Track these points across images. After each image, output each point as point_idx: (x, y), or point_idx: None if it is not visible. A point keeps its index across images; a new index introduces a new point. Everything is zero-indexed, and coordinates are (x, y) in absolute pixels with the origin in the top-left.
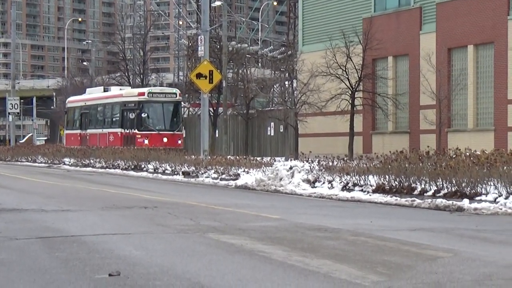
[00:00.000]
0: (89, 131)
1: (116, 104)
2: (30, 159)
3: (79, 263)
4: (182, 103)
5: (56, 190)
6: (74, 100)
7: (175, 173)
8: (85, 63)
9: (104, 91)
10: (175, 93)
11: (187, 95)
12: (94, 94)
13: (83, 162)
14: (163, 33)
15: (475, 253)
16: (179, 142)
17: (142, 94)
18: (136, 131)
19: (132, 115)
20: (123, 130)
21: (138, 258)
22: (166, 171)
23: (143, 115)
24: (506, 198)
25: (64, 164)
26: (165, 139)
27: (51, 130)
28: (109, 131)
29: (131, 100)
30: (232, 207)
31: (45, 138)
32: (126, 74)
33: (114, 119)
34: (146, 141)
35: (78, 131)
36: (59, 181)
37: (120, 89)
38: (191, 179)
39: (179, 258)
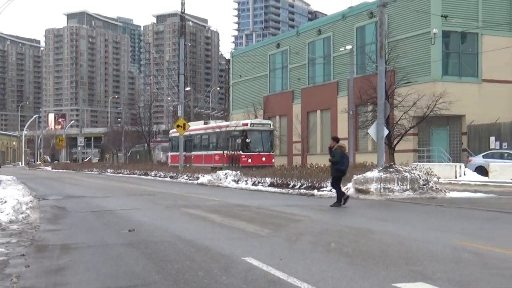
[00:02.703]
0: (193, 153)
1: (221, 132)
2: (88, 170)
3: (113, 224)
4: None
5: (101, 186)
6: (176, 131)
7: (166, 176)
8: (119, 119)
9: (204, 123)
10: (269, 124)
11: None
12: (195, 126)
13: (117, 171)
14: (159, 103)
15: (319, 218)
16: (273, 160)
17: (246, 124)
18: (241, 152)
19: (238, 140)
20: (228, 152)
21: (144, 221)
22: (161, 175)
23: (247, 140)
24: None
25: (107, 172)
26: (263, 158)
27: (101, 155)
28: (214, 153)
29: (237, 129)
30: (195, 194)
31: (98, 159)
32: (141, 126)
33: (219, 144)
34: (250, 160)
35: (183, 153)
36: (103, 182)
37: (216, 122)
38: (174, 180)
39: (166, 221)
